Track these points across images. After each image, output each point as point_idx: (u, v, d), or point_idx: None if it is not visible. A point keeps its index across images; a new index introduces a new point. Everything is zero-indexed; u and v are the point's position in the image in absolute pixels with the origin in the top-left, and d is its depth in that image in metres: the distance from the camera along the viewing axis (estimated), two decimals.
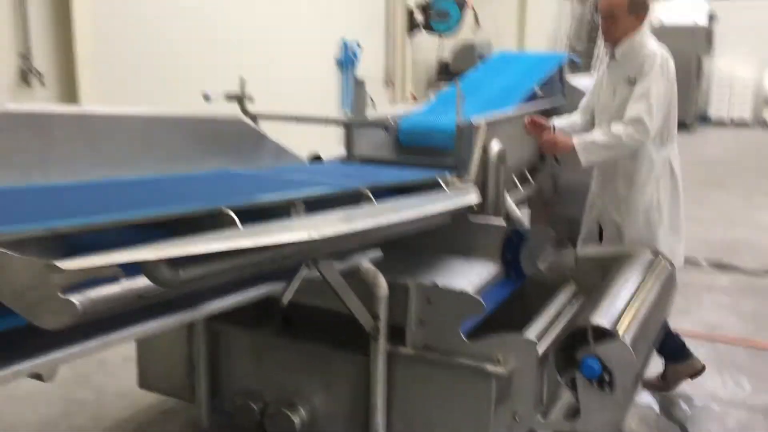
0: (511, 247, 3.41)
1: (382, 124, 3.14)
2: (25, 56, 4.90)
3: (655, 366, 4.02)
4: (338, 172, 2.93)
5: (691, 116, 15.68)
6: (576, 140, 3.38)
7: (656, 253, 3.24)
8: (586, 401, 2.43)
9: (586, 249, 3.52)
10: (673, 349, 3.69)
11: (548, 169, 4.86)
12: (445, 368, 2.63)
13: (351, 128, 3.61)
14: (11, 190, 1.96)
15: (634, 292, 2.78)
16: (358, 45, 9.04)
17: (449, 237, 3.49)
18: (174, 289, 1.57)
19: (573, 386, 2.46)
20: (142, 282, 1.53)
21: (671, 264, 3.24)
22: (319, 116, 3.34)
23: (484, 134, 3.63)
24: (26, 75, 4.89)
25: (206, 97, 3.27)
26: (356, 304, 2.52)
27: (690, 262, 6.17)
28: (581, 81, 4.79)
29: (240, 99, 3.26)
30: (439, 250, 3.48)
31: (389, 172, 3.20)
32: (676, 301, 5.09)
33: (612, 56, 3.54)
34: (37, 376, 1.53)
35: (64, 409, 3.63)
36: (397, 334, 2.69)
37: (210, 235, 1.67)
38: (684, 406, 3.71)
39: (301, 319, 2.98)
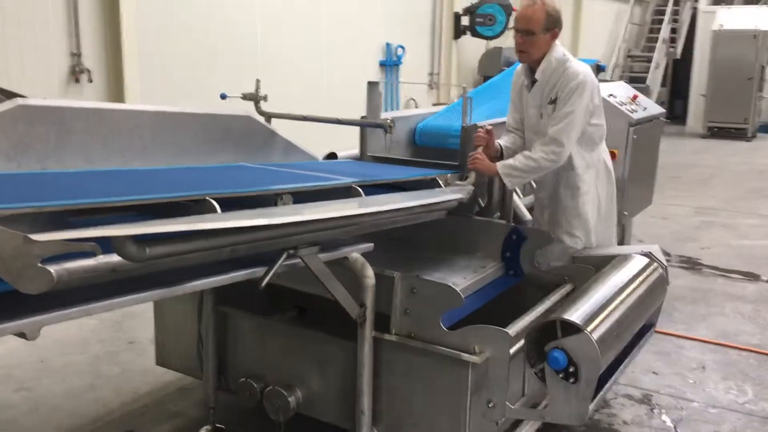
0: (511, 246, 3.54)
1: (380, 125, 3.30)
2: (76, 55, 5.27)
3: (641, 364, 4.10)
4: (340, 169, 3.10)
5: (752, 124, 15.26)
6: (499, 166, 3.45)
7: (649, 256, 3.31)
8: (553, 392, 2.55)
9: (585, 250, 3.60)
10: None
11: None
12: (426, 355, 2.78)
13: (364, 128, 3.79)
14: (23, 174, 2.22)
15: (616, 292, 2.88)
16: (402, 48, 9.20)
17: (453, 235, 3.65)
18: (143, 265, 1.78)
19: (542, 377, 2.58)
20: (116, 258, 1.74)
21: (663, 266, 3.31)
22: (327, 117, 3.52)
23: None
24: (76, 73, 5.25)
25: (223, 96, 3.50)
26: (341, 292, 2.69)
27: (719, 270, 6.15)
28: (602, 87, 4.83)
29: (255, 99, 3.48)
30: (443, 248, 3.65)
31: (391, 171, 3.37)
32: (695, 309, 5.14)
33: (533, 79, 3.51)
34: (22, 335, 1.76)
35: (91, 382, 3.93)
36: (383, 322, 2.86)
37: (180, 218, 1.88)
38: (679, 407, 3.76)
39: (314, 309, 3.15)
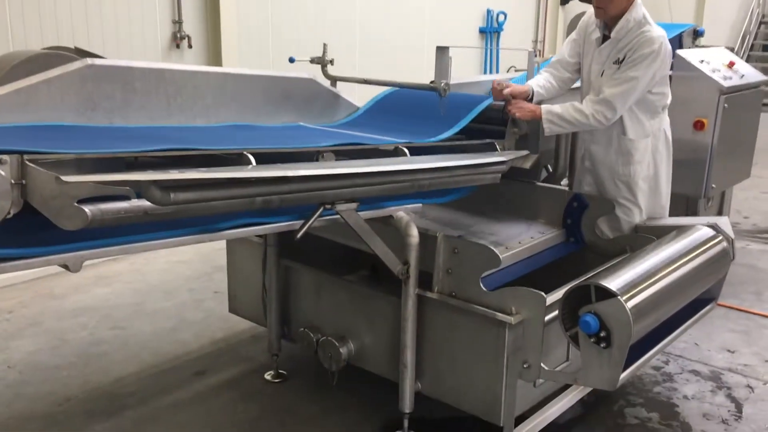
0: (573, 213, 3.51)
1: (433, 89, 3.33)
2: (177, 22, 5.61)
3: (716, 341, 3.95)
4: (398, 130, 3.17)
5: None
6: (544, 110, 3.28)
7: (714, 227, 3.19)
8: (586, 356, 2.55)
9: (650, 219, 3.50)
10: None
11: None
12: (466, 314, 2.85)
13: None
14: (87, 127, 2.46)
15: (664, 261, 2.81)
16: (504, 14, 9.05)
17: (515, 200, 3.67)
18: (177, 209, 1.96)
19: (576, 341, 2.58)
20: (148, 201, 1.93)
21: (729, 240, 3.17)
22: (387, 80, 3.59)
23: (558, 101, 3.72)
24: (177, 39, 5.60)
25: (291, 60, 3.66)
26: (382, 249, 2.80)
27: None
28: (692, 53, 4.62)
29: (322, 62, 3.60)
30: (505, 212, 3.67)
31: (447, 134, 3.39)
32: None
33: (605, 36, 3.36)
34: (66, 267, 1.99)
35: (176, 325, 4.28)
36: (426, 280, 2.95)
37: (201, 168, 2.04)
38: (750, 386, 3.61)
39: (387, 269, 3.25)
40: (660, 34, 3.28)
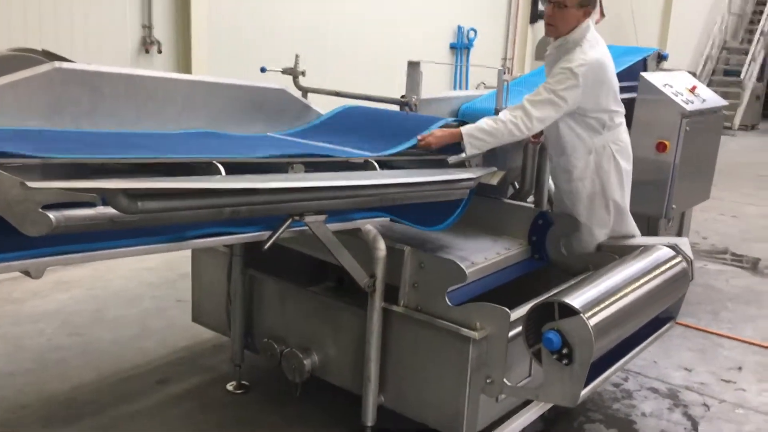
0: (538, 230, 3.56)
1: (405, 104, 3.37)
2: (147, 27, 5.56)
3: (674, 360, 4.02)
4: (363, 142, 3.18)
5: None
6: (463, 130, 3.19)
7: (674, 248, 3.26)
8: (548, 372, 2.58)
9: (612, 238, 3.57)
10: None
11: None
12: (431, 329, 2.86)
13: (402, 106, 3.87)
14: (51, 131, 2.42)
15: (625, 280, 2.87)
16: (474, 31, 9.17)
17: (482, 216, 3.70)
18: (144, 218, 1.94)
19: (539, 358, 2.62)
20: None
21: (688, 261, 3.25)
22: (358, 94, 3.62)
23: None
24: (147, 44, 5.55)
25: (263, 70, 3.66)
26: (350, 261, 2.81)
27: None
28: (656, 76, 4.73)
29: (294, 73, 3.61)
30: (471, 228, 3.70)
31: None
32: (746, 309, 4.98)
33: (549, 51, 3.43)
34: (27, 273, 1.95)
35: (138, 333, 4.21)
36: (393, 294, 2.96)
37: (169, 177, 2.03)
38: (706, 404, 3.69)
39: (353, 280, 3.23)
40: (590, 58, 3.22)
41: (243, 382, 3.62)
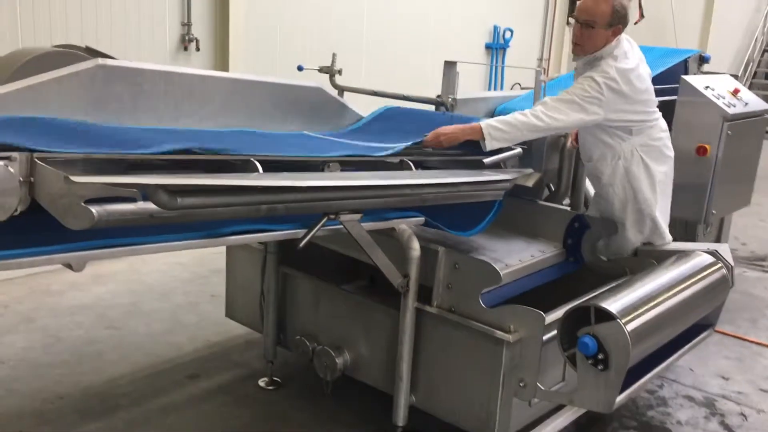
0: (573, 233, 3.51)
1: (441, 103, 3.35)
2: (186, 24, 5.62)
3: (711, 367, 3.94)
4: (395, 141, 3.17)
5: None
6: (483, 123, 3.13)
7: (714, 254, 3.19)
8: (582, 377, 2.55)
9: (650, 244, 3.51)
10: None
11: None
12: (464, 330, 2.85)
13: (437, 106, 3.86)
14: (92, 126, 2.46)
15: (663, 286, 2.82)
16: (511, 31, 9.10)
17: (517, 218, 3.66)
18: (182, 213, 1.95)
19: (573, 362, 2.58)
20: (154, 205, 1.93)
21: (728, 267, 3.18)
22: (395, 93, 3.61)
23: None
24: (185, 41, 5.61)
25: (299, 68, 3.67)
26: (384, 261, 2.81)
27: None
28: (697, 79, 4.64)
29: (330, 72, 3.62)
30: (506, 229, 3.66)
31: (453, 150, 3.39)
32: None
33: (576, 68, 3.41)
34: (69, 266, 1.99)
35: (170, 327, 4.26)
36: (427, 294, 2.95)
37: (209, 174, 2.04)
38: (743, 414, 3.61)
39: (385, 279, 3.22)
40: (613, 72, 3.15)
41: (275, 378, 3.65)
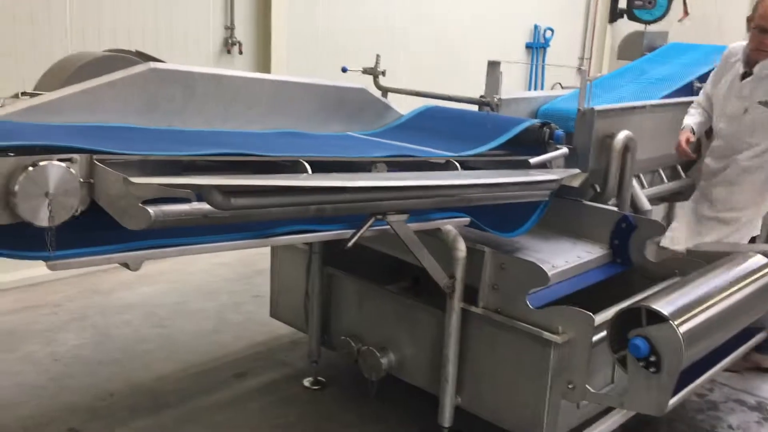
0: (620, 234, 3.46)
1: (486, 103, 3.34)
2: (229, 28, 5.69)
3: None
4: (443, 143, 3.17)
5: None
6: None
7: (766, 255, 3.12)
8: (633, 380, 2.51)
9: (701, 243, 3.45)
10: None
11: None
12: (510, 331, 2.83)
13: (481, 106, 3.85)
14: (146, 129, 2.51)
15: (716, 288, 2.76)
16: (551, 30, 9.01)
17: (562, 218, 3.62)
18: (234, 214, 1.98)
19: (624, 364, 2.55)
20: (207, 205, 1.96)
21: None
22: (439, 93, 3.61)
23: (609, 121, 3.71)
24: (228, 45, 5.68)
25: (344, 70, 3.69)
26: (430, 262, 2.80)
27: None
28: None
29: (374, 73, 3.63)
30: (551, 230, 3.63)
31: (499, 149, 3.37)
32: None
33: (747, 72, 3.43)
34: (126, 265, 2.03)
35: (216, 326, 4.33)
36: (472, 295, 2.94)
37: (262, 175, 2.07)
38: None
39: (428, 280, 3.24)
40: None
41: (319, 378, 3.67)
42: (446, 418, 3.02)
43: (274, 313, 3.90)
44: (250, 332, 4.24)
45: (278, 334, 4.19)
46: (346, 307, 3.49)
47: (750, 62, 3.53)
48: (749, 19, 3.54)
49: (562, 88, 9.22)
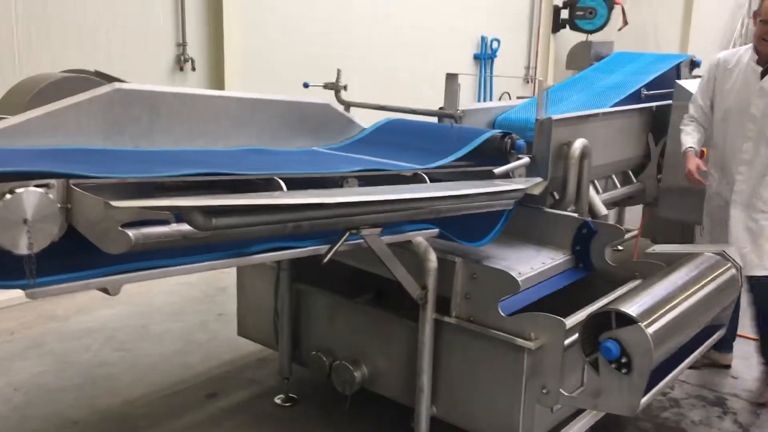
0: (582, 239, 3.56)
1: (449, 116, 3.40)
2: (181, 45, 5.64)
3: None
4: (407, 155, 3.21)
5: None
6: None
7: (722, 255, 3.25)
8: (606, 382, 2.58)
9: (657, 246, 3.56)
10: None
11: (652, 170, 4.87)
12: (484, 339, 2.87)
13: (440, 119, 3.90)
14: (118, 151, 2.48)
15: (678, 288, 2.86)
16: (498, 41, 9.19)
17: (524, 226, 3.70)
18: (212, 234, 1.97)
19: (596, 367, 2.62)
20: (187, 226, 1.95)
21: (737, 267, 3.24)
22: (401, 107, 3.65)
23: (565, 129, 3.81)
24: (181, 62, 5.63)
25: (305, 85, 3.70)
26: (403, 274, 2.83)
27: None
28: (691, 83, 4.72)
29: (336, 88, 3.65)
30: (513, 238, 3.70)
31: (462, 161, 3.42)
32: None
33: (765, 70, 3.58)
34: (105, 290, 2.00)
35: (183, 347, 4.26)
36: (446, 305, 2.98)
37: (243, 194, 2.07)
38: (755, 412, 3.66)
39: (391, 292, 3.27)
40: None
41: (291, 395, 3.65)
42: (423, 428, 3.04)
43: (242, 332, 3.87)
44: (218, 351, 4.19)
45: (245, 352, 4.16)
46: (317, 322, 3.49)
47: (761, 59, 3.65)
48: (756, 15, 3.68)
49: (510, 98, 9.44)
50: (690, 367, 3.80)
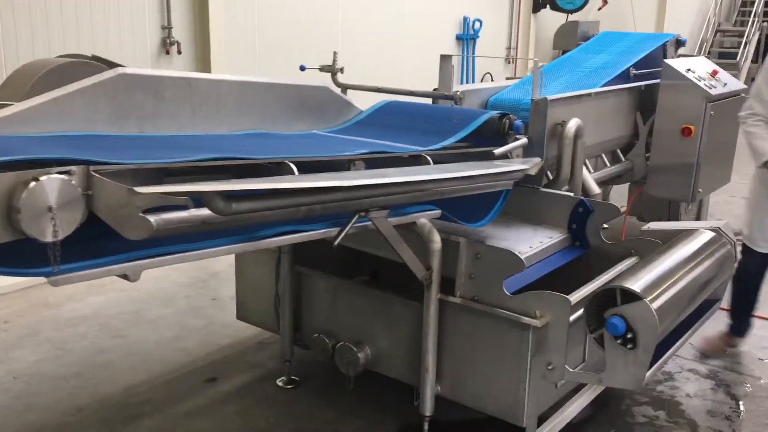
0: (578, 218, 3.60)
1: (449, 97, 3.41)
2: (167, 28, 5.57)
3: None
4: (407, 136, 3.22)
5: None
6: None
7: (717, 231, 3.32)
8: (611, 357, 2.64)
9: (652, 223, 3.63)
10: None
11: (641, 149, 4.93)
12: (489, 318, 2.92)
13: (436, 100, 3.91)
14: (125, 136, 2.46)
15: (678, 264, 2.93)
16: (480, 22, 9.20)
17: (521, 205, 3.73)
18: (230, 218, 1.98)
19: (601, 343, 2.67)
20: (206, 211, 1.95)
21: (732, 243, 3.31)
22: (399, 89, 3.66)
23: (559, 110, 3.85)
24: (167, 45, 5.56)
25: (302, 68, 3.69)
26: (409, 255, 2.85)
27: None
28: (679, 62, 4.78)
29: (332, 70, 3.64)
30: (511, 217, 3.74)
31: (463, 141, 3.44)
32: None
33: None
34: (125, 276, 1.99)
35: (178, 333, 4.25)
36: (449, 285, 3.01)
37: (264, 178, 2.07)
38: (746, 383, 3.76)
39: (386, 273, 3.29)
40: None
41: (293, 377, 3.67)
42: (427, 408, 3.08)
43: (241, 315, 3.87)
44: (215, 336, 4.19)
45: (244, 336, 4.16)
46: (319, 304, 3.50)
47: None
48: None
49: (492, 79, 9.46)
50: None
